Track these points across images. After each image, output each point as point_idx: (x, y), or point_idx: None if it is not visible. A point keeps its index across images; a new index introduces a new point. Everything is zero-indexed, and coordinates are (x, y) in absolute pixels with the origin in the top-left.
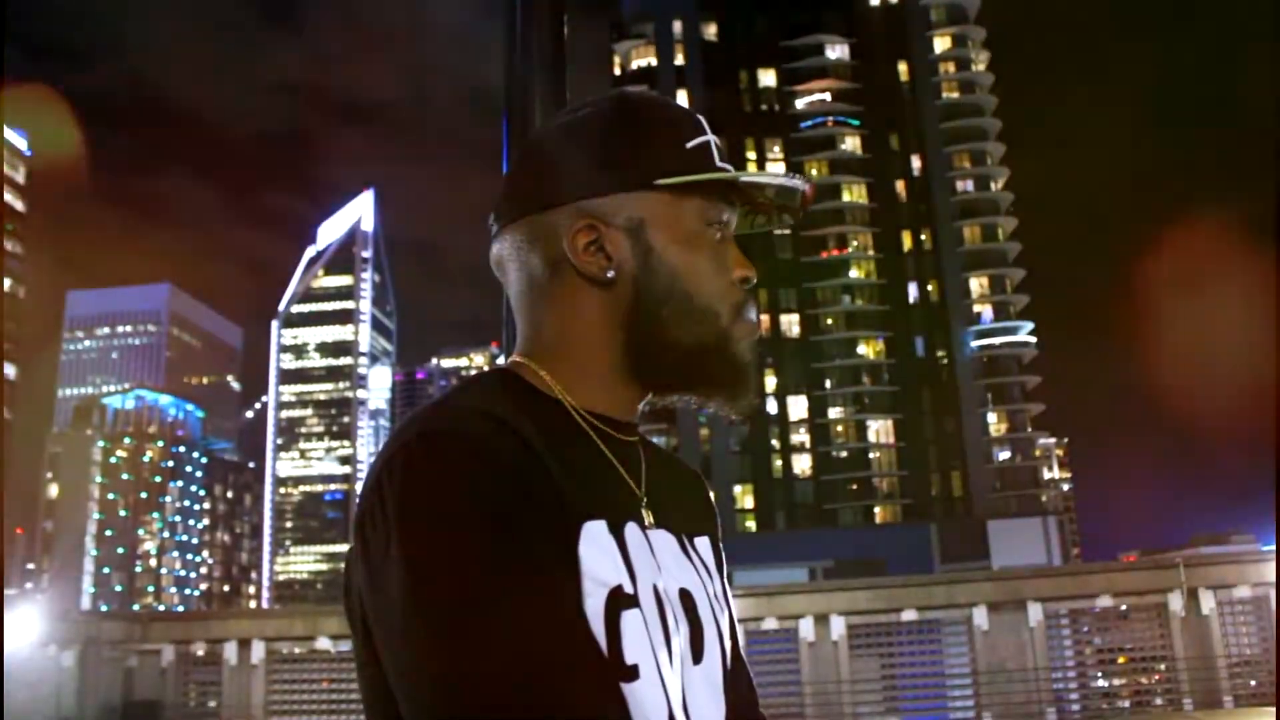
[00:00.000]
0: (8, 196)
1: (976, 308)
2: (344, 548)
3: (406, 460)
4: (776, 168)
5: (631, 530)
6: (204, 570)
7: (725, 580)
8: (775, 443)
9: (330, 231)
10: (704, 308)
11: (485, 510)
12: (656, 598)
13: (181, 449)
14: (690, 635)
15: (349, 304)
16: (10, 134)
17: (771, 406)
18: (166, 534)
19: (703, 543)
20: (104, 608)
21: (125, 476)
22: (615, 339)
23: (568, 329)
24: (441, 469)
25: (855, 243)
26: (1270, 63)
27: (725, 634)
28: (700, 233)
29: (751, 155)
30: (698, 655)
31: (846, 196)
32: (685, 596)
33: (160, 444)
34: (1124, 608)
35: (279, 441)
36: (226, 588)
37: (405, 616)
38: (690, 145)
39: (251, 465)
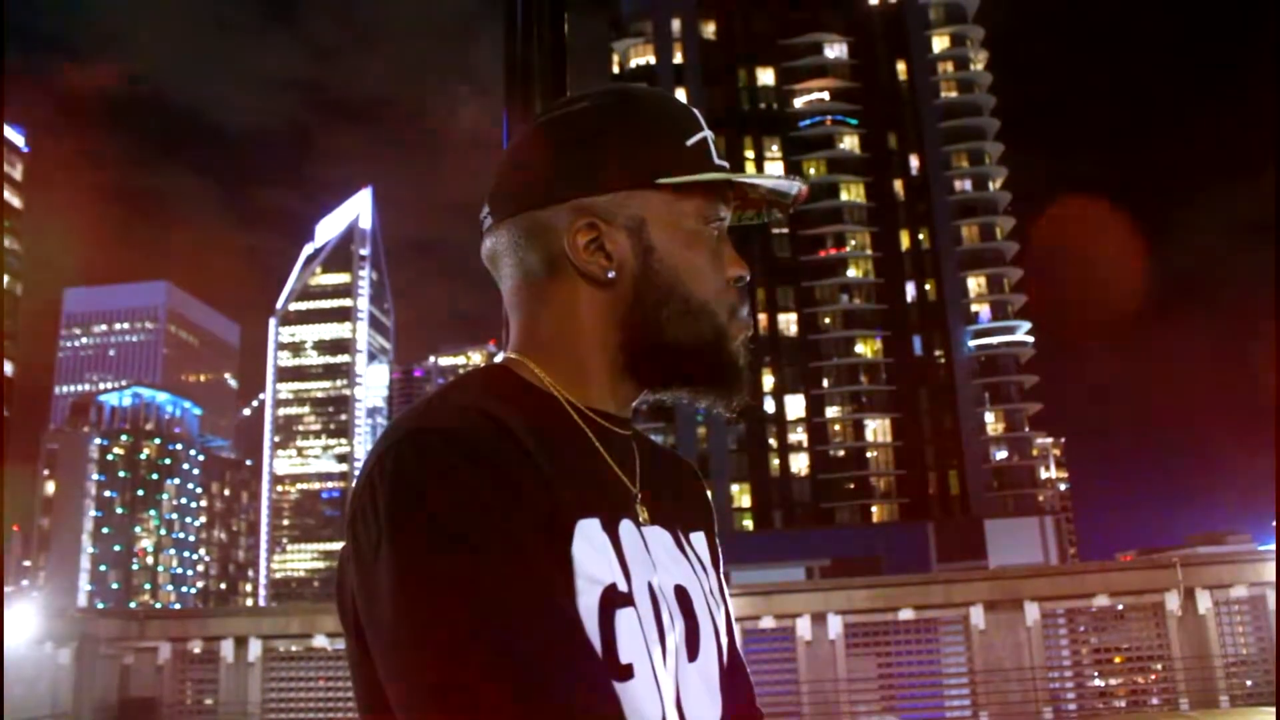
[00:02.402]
0: (5, 193)
1: (974, 307)
2: (341, 545)
3: (397, 458)
4: (775, 166)
5: (626, 527)
6: (201, 568)
7: (722, 576)
8: (773, 441)
9: (328, 229)
10: (702, 307)
11: (476, 509)
12: (651, 595)
13: (178, 446)
14: (686, 632)
15: (346, 301)
16: (8, 130)
17: (769, 405)
18: (163, 531)
19: (698, 538)
20: (100, 605)
21: (122, 474)
22: (613, 337)
23: (565, 327)
24: (432, 467)
25: (853, 242)
26: (1270, 56)
27: (722, 631)
28: (699, 231)
29: (750, 154)
30: (693, 652)
31: (844, 195)
32: (681, 593)
33: (157, 441)
34: (1120, 607)
35: (276, 439)
36: (223, 585)
37: (396, 615)
38: (690, 142)
39: (248, 463)
